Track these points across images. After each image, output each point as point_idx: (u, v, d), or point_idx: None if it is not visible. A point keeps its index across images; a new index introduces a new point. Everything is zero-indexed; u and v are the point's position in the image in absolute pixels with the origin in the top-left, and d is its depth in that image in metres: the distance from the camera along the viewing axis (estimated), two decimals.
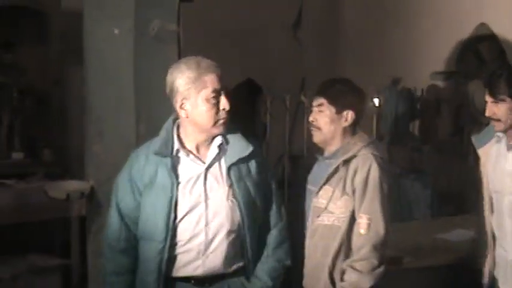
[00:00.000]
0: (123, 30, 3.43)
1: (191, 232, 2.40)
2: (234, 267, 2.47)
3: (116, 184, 2.52)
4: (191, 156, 2.42)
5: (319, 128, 2.68)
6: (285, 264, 2.56)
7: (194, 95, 2.37)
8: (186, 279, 2.45)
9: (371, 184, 2.59)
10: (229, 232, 2.42)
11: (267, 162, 2.74)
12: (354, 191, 2.59)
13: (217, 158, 2.42)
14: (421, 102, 6.02)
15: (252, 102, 5.40)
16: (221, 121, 2.40)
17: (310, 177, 2.79)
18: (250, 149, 2.44)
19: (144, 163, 2.44)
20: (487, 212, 2.94)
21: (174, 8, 3.56)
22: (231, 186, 2.42)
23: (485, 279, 2.97)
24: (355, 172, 2.61)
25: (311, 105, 2.78)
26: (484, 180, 2.97)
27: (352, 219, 2.60)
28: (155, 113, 3.07)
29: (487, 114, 2.83)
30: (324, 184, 2.64)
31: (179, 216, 2.40)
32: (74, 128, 5.40)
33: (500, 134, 2.89)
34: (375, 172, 2.59)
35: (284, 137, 5.65)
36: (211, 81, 2.37)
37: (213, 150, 2.42)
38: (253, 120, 5.31)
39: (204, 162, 2.42)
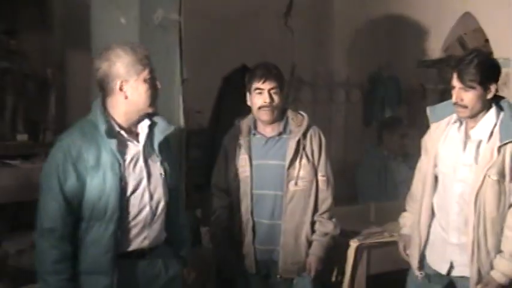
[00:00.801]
0: (129, 19, 3.65)
1: (138, 206, 2.59)
2: (164, 236, 2.72)
3: (53, 170, 2.51)
4: (127, 136, 2.61)
5: (276, 107, 3.20)
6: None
7: (134, 77, 2.56)
8: (133, 253, 2.61)
9: (323, 150, 3.21)
10: (166, 204, 2.67)
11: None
12: (312, 156, 3.17)
13: (148, 137, 2.64)
14: (407, 89, 6.17)
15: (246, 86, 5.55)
16: (155, 100, 2.63)
17: (262, 154, 3.18)
18: (172, 127, 2.72)
19: (82, 146, 2.52)
20: (428, 188, 3.03)
21: None
22: (161, 162, 2.66)
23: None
24: (310, 142, 3.18)
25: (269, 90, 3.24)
26: (429, 156, 3.03)
27: (315, 179, 3.19)
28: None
29: (454, 100, 2.85)
30: (294, 155, 3.12)
31: (128, 193, 2.56)
32: (73, 110, 5.59)
33: (462, 120, 2.91)
34: (323, 139, 3.24)
35: None
36: (148, 63, 2.59)
37: (144, 129, 2.63)
38: (247, 106, 5.46)
39: (138, 142, 2.62)
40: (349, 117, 6.61)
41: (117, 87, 2.57)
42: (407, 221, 3.28)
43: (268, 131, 3.23)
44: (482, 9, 5.56)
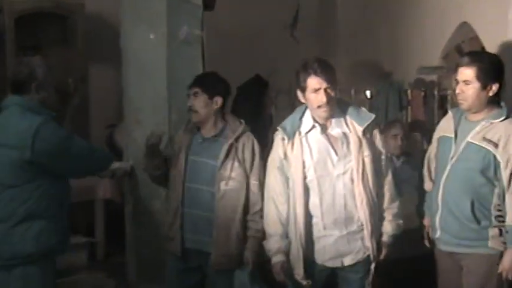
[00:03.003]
0: (158, 35, 4.01)
1: None
2: None
3: None
4: None
5: (196, 111, 3.33)
6: None
7: None
8: None
9: (256, 155, 3.35)
10: None
11: None
12: (244, 160, 3.32)
13: None
14: (409, 94, 6.45)
15: (259, 96, 5.89)
16: None
17: (195, 151, 3.36)
18: None
19: None
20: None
21: (199, 15, 4.14)
22: None
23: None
24: (243, 146, 3.34)
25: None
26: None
27: (248, 182, 3.31)
28: (184, 103, 3.50)
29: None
30: (226, 157, 3.30)
31: None
32: (94, 119, 5.94)
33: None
34: (257, 146, 3.37)
35: None
36: None
37: None
38: (261, 112, 5.79)
39: None
40: None
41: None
42: None
43: (204, 132, 3.43)
44: (479, 18, 5.76)
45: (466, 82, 3.09)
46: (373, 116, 3.11)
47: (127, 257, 4.49)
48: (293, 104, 6.37)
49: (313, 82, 2.98)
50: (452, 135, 3.17)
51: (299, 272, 3.05)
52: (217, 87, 3.39)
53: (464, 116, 3.20)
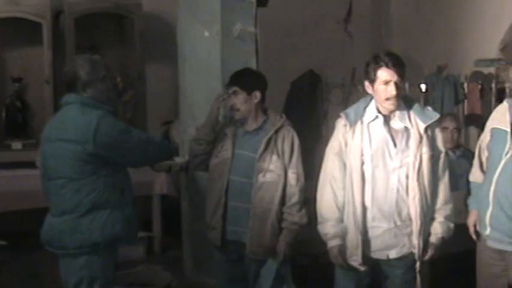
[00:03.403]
0: (212, 33, 4.10)
1: None
2: None
3: None
4: None
5: (238, 109, 3.40)
6: None
7: None
8: None
9: (295, 148, 3.39)
10: None
11: None
12: (283, 153, 3.37)
13: None
14: (465, 88, 6.35)
15: (312, 91, 5.92)
16: None
17: (238, 144, 3.44)
18: None
19: None
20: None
21: (252, 12, 4.21)
22: None
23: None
24: (283, 139, 3.38)
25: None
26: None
27: (286, 174, 3.36)
28: None
29: None
30: (265, 150, 3.36)
31: None
32: (151, 116, 6.08)
33: None
34: (296, 140, 3.40)
35: None
36: None
37: None
38: (315, 106, 5.83)
39: None
40: None
41: None
42: None
43: (247, 126, 3.49)
44: None
45: None
46: (438, 115, 3.13)
47: (183, 250, 4.60)
48: (346, 99, 6.45)
49: (384, 74, 3.02)
50: (508, 129, 3.10)
51: (357, 258, 3.08)
52: (254, 82, 3.47)
53: None
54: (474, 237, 3.31)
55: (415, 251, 3.09)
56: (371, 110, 3.11)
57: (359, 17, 7.13)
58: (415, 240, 3.06)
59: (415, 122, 3.07)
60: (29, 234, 3.71)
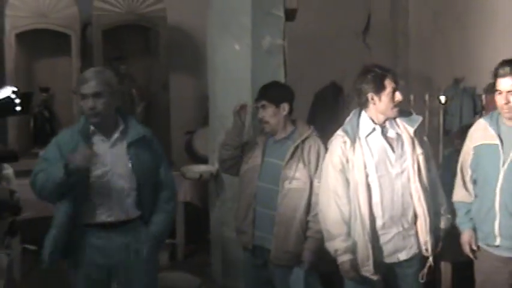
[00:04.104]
0: (242, 46, 4.21)
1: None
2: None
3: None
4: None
5: (267, 122, 3.51)
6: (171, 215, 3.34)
7: None
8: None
9: (321, 158, 3.44)
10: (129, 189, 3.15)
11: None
12: (309, 162, 3.45)
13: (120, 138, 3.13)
14: (482, 99, 6.42)
15: (334, 101, 6.02)
16: None
17: (268, 153, 3.55)
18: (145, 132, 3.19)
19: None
20: None
21: (281, 26, 4.31)
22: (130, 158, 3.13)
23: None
24: (309, 149, 3.47)
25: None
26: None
27: (311, 183, 3.43)
28: None
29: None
30: (291, 158, 3.45)
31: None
32: (175, 125, 6.18)
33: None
34: (322, 149, 3.47)
35: None
36: None
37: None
38: (337, 116, 5.90)
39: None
40: (429, 127, 6.92)
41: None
42: None
43: (276, 135, 3.59)
44: None
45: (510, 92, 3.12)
46: (421, 118, 3.26)
47: (212, 257, 4.70)
48: None
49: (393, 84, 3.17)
50: (498, 142, 3.16)
51: (369, 269, 3.13)
52: (282, 94, 3.57)
53: (502, 122, 3.19)
54: (471, 256, 3.35)
55: (427, 246, 3.20)
56: (365, 123, 3.20)
57: (377, 29, 7.23)
58: (425, 237, 3.18)
59: (403, 128, 3.20)
60: None
